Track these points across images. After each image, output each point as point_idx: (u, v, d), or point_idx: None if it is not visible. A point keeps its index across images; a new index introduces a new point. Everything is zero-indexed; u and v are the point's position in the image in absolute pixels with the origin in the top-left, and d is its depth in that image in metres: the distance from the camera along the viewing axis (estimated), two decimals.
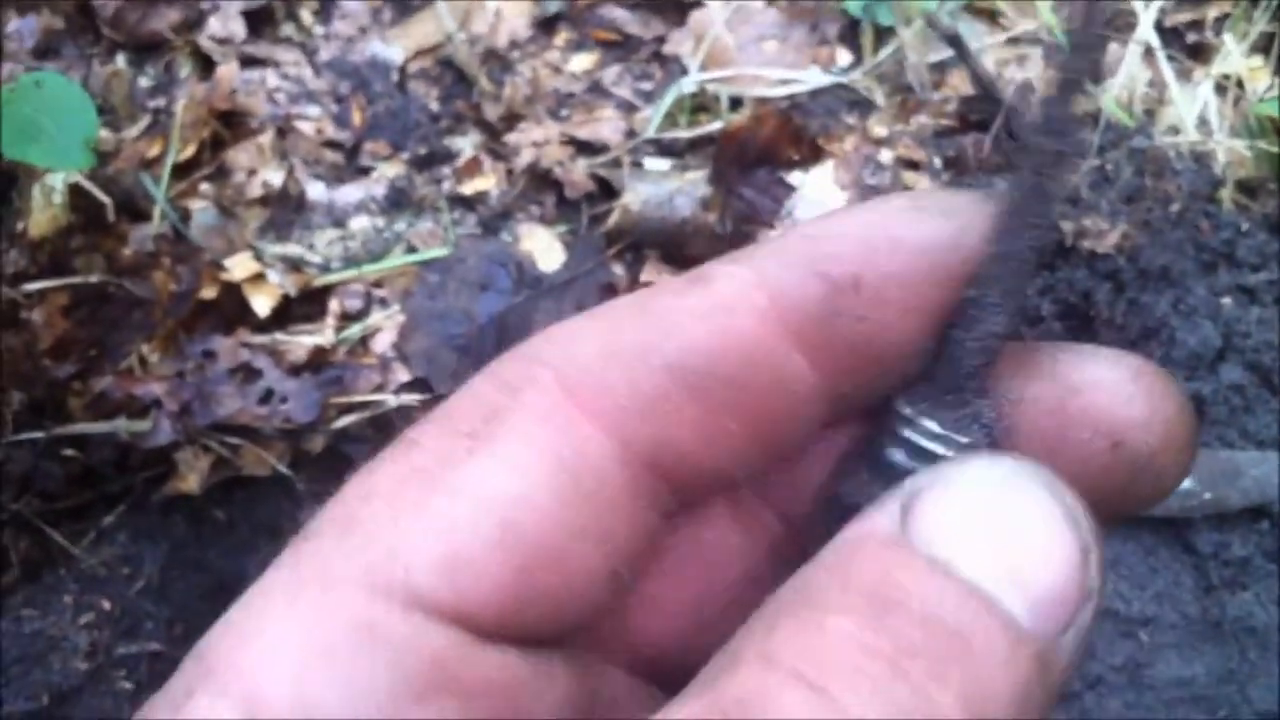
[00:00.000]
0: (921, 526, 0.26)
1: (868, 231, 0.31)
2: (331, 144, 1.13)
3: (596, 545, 0.30)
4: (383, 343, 1.02)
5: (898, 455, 0.31)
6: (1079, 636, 0.27)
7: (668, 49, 1.20)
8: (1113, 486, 0.31)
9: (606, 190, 1.09)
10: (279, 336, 1.00)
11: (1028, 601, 0.26)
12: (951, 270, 0.30)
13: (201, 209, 1.07)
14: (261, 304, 1.01)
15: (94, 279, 1.00)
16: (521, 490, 0.29)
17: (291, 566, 0.29)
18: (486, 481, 0.29)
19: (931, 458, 0.30)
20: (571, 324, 0.32)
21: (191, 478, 0.92)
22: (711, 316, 0.30)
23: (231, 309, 1.00)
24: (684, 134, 1.13)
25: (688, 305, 0.31)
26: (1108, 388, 0.31)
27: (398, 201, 1.10)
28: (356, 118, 1.15)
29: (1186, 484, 0.89)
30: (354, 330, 1.02)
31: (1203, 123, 1.05)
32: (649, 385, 0.30)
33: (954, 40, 1.05)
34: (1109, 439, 0.31)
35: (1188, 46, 1.15)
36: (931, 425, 0.31)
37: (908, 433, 0.31)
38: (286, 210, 1.09)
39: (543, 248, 1.05)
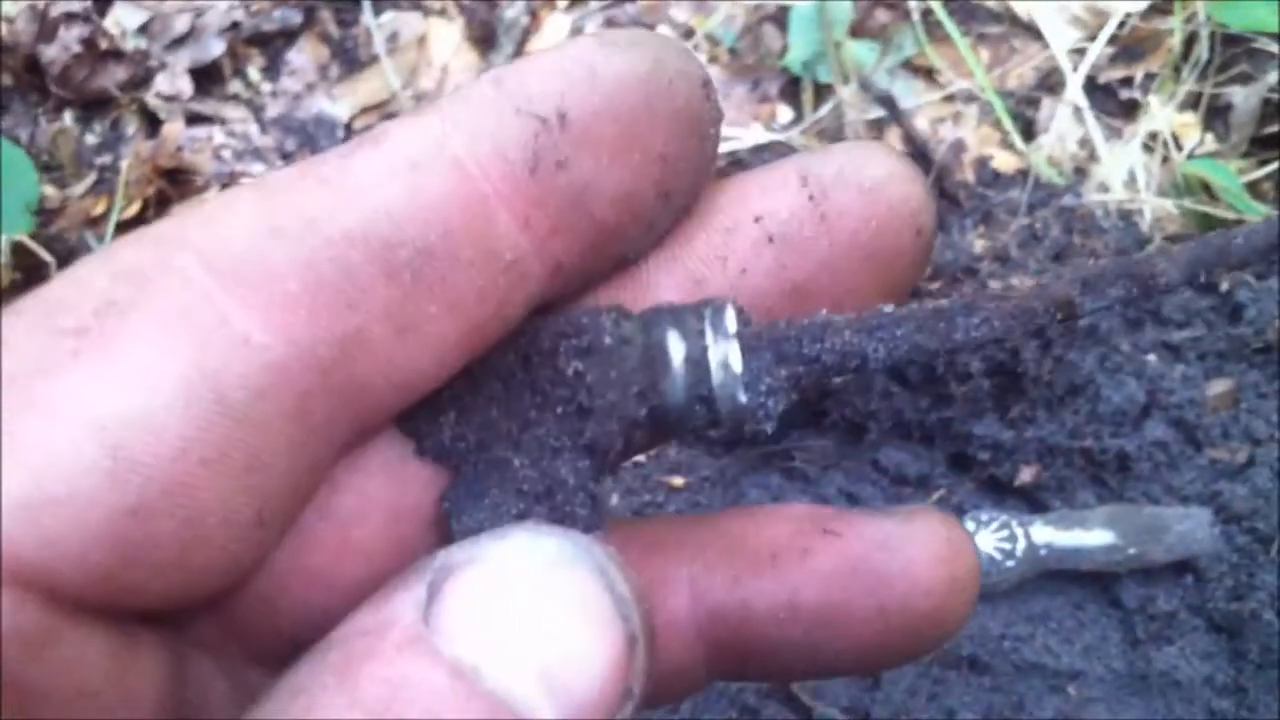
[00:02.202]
0: (447, 618, 0.23)
1: (562, 65, 0.26)
2: None
3: (243, 482, 0.23)
4: None
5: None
6: None
7: None
8: (897, 640, 0.30)
9: None
10: None
11: (561, 711, 0.23)
12: (654, 107, 0.27)
13: None
14: None
15: None
16: (141, 406, 0.22)
17: None
18: (93, 395, 0.22)
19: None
20: (216, 198, 0.25)
21: None
22: (395, 176, 0.25)
23: None
24: None
25: (363, 166, 0.25)
26: (896, 552, 0.30)
27: None
28: None
29: (1112, 539, 0.90)
30: None
31: (1131, 181, 1.07)
32: (326, 264, 0.23)
33: (887, 101, 1.07)
34: (898, 602, 0.30)
35: (1120, 103, 1.17)
36: (528, 469, 0.28)
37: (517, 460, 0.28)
38: None
39: None
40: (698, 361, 0.29)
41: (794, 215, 0.30)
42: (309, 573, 0.27)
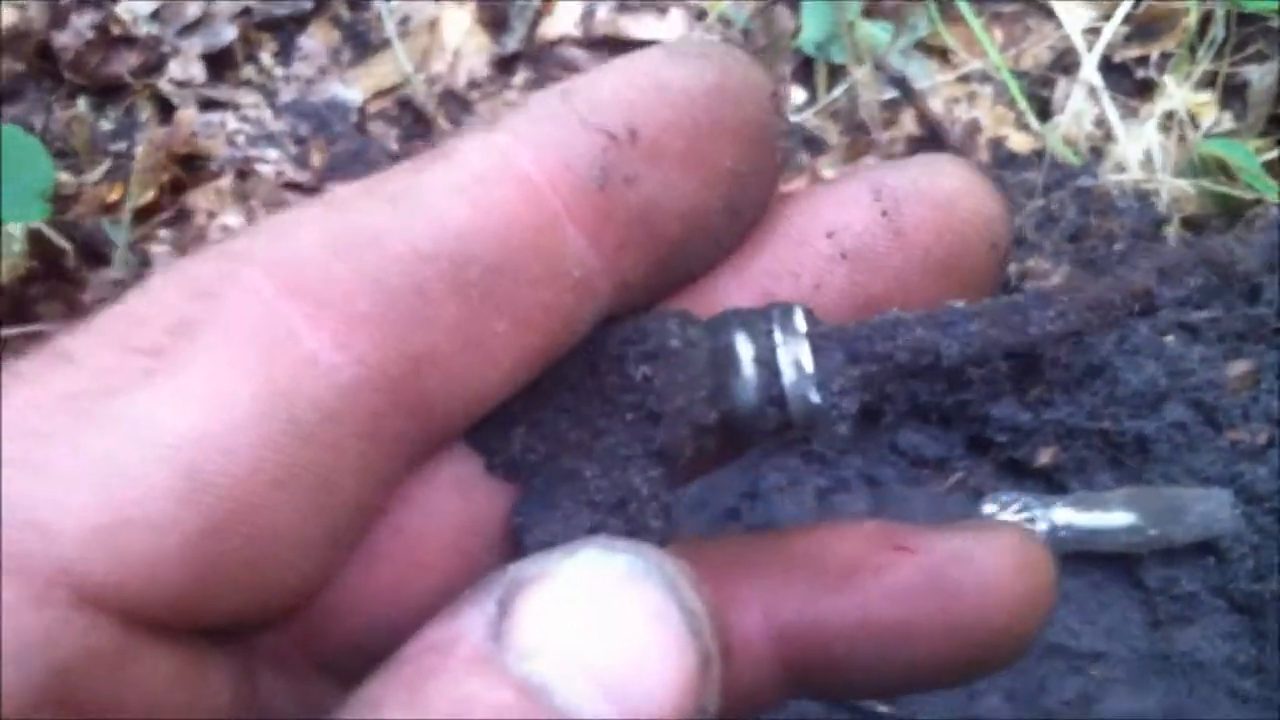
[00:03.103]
0: (517, 635, 0.22)
1: (630, 78, 0.26)
2: (291, 185, 1.14)
3: (314, 502, 0.23)
4: None
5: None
6: None
7: None
8: (972, 655, 0.30)
9: None
10: None
11: None
12: (722, 120, 0.26)
13: (163, 253, 1.08)
14: None
15: (55, 325, 1.00)
16: (214, 427, 0.22)
17: None
18: (167, 415, 0.21)
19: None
20: (284, 214, 0.24)
21: None
22: (463, 192, 0.24)
23: None
24: None
25: (430, 183, 0.24)
26: (971, 566, 0.30)
27: None
28: (316, 159, 1.16)
29: (1133, 520, 0.90)
30: None
31: (1148, 160, 1.07)
32: (396, 282, 0.23)
33: (900, 82, 1.06)
34: (973, 616, 0.30)
35: (1136, 83, 1.17)
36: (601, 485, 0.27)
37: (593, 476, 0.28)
38: None
39: None
40: (768, 362, 0.29)
41: (867, 230, 0.29)
42: (379, 588, 0.27)
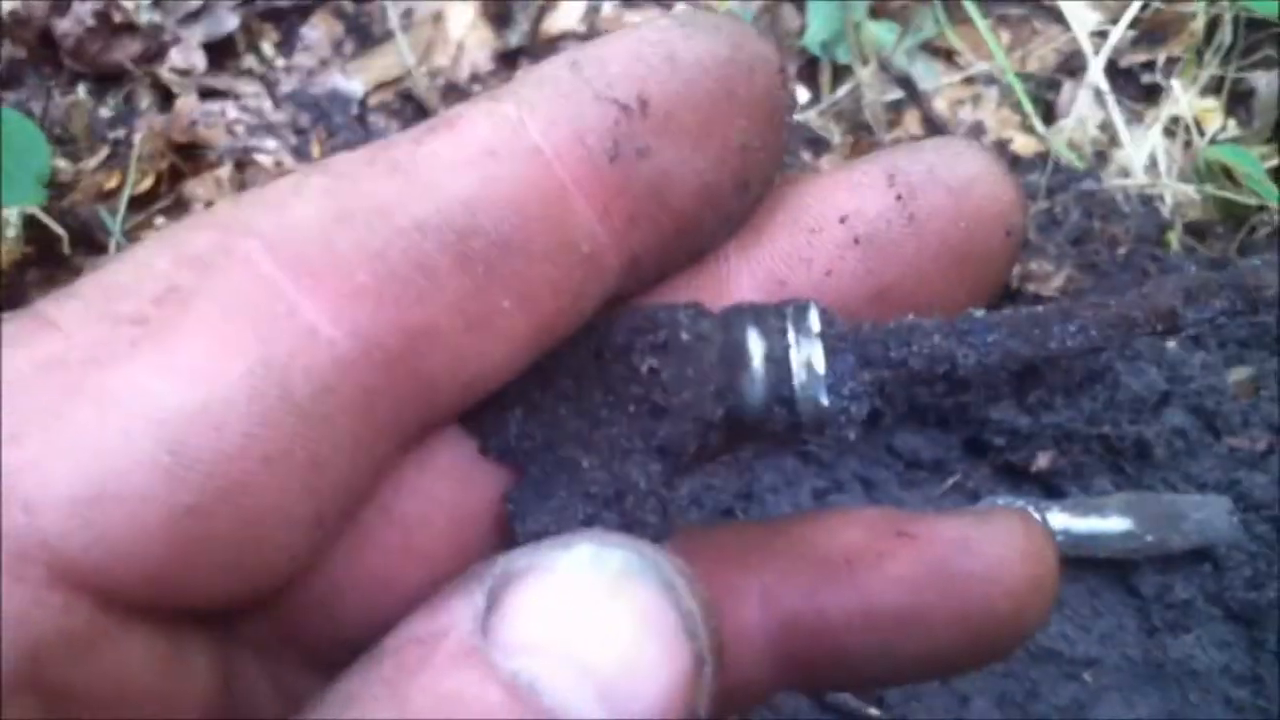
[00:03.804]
0: (506, 629, 0.21)
1: (641, 49, 0.25)
2: None
3: (303, 481, 0.22)
4: None
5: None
6: None
7: None
8: (977, 643, 0.29)
9: None
10: None
11: None
12: (735, 93, 0.25)
13: None
14: None
15: None
16: (203, 401, 0.21)
17: None
18: (153, 388, 0.21)
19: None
20: (282, 182, 0.23)
21: None
22: (470, 163, 0.23)
23: None
24: None
25: (436, 152, 0.23)
26: (976, 553, 0.29)
27: None
28: (316, 150, 1.15)
29: (1129, 526, 0.89)
30: None
31: (1152, 165, 1.06)
32: (397, 254, 0.22)
33: (905, 83, 1.06)
34: (979, 604, 0.29)
35: (1141, 87, 1.16)
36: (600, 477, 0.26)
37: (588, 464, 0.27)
38: None
39: None
40: (779, 361, 0.28)
41: (881, 215, 0.29)
42: (367, 575, 0.26)
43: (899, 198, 0.29)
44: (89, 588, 0.21)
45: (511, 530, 0.27)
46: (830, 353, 0.28)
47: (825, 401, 0.28)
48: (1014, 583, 0.30)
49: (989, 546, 0.30)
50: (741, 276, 0.30)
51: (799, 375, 0.28)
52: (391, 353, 0.23)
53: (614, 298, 0.27)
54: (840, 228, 0.29)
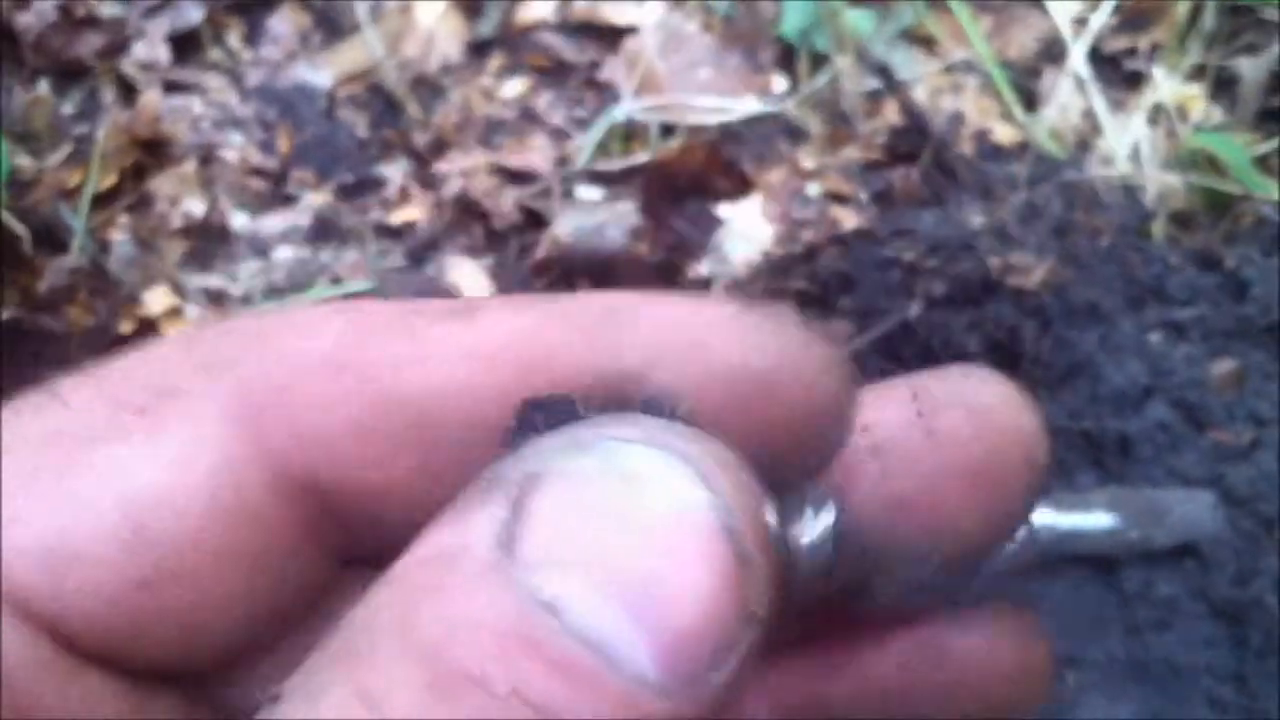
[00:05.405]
0: (529, 544, 0.20)
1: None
2: (257, 172, 1.11)
3: (247, 580, 0.24)
4: None
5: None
6: (733, 670, 0.20)
7: (602, 75, 1.18)
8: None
9: (536, 220, 1.08)
10: None
11: (659, 649, 0.20)
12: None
13: (121, 240, 1.05)
14: None
15: (7, 315, 0.97)
16: (170, 489, 0.23)
17: None
18: (131, 469, 0.23)
19: None
20: (311, 308, 0.25)
21: None
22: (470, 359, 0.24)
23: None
24: (617, 163, 1.12)
25: (456, 341, 0.24)
26: (979, 657, 0.31)
27: (323, 232, 1.08)
28: (283, 145, 1.13)
29: (1112, 522, 0.88)
30: None
31: (1135, 154, 1.04)
32: (342, 422, 0.24)
33: (884, 72, 1.04)
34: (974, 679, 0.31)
35: (1124, 75, 1.14)
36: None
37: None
38: (209, 241, 1.07)
39: (469, 280, 1.04)
40: None
41: (900, 428, 0.29)
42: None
43: (919, 414, 0.29)
44: (54, 633, 0.23)
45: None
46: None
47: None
48: (1008, 666, 0.32)
49: (979, 626, 0.32)
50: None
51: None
52: (329, 500, 0.25)
53: None
54: (860, 436, 0.29)
